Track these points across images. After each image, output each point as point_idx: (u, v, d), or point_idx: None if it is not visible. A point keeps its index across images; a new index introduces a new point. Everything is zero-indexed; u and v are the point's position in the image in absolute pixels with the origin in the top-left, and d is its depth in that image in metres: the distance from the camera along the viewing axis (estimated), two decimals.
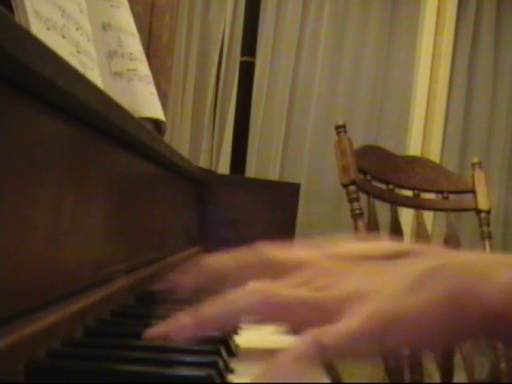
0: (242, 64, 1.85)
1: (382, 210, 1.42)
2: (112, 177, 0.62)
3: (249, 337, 0.53)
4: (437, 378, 1.37)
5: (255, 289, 0.41)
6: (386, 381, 1.21)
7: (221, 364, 0.39)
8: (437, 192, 1.47)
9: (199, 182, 1.24)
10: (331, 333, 0.36)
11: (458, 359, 1.31)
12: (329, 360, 0.36)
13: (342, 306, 0.38)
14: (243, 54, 1.85)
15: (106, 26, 0.82)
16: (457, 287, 0.35)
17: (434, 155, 2.50)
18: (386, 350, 0.37)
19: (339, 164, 1.29)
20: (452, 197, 1.44)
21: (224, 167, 2.41)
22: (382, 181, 1.39)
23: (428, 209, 1.49)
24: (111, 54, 0.82)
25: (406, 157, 1.54)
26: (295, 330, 0.41)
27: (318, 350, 0.35)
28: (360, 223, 1.26)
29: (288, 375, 0.35)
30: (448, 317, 0.35)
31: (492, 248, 1.39)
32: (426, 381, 1.32)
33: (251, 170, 2.42)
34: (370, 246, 0.48)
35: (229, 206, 1.32)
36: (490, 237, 1.39)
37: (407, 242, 0.58)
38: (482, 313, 0.34)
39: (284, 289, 0.41)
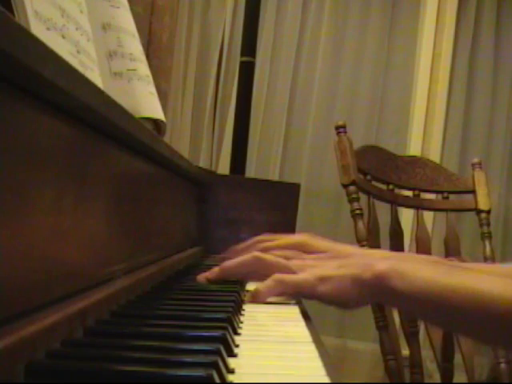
0: (242, 64, 1.85)
1: (382, 210, 1.42)
2: (112, 177, 0.62)
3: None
4: (437, 378, 1.37)
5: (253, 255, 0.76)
6: (386, 381, 1.21)
7: (221, 364, 0.39)
8: (437, 192, 1.47)
9: (199, 182, 1.24)
10: (290, 276, 0.70)
11: (458, 359, 1.31)
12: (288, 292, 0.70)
13: (301, 270, 0.70)
14: (243, 54, 1.85)
15: (105, 26, 0.82)
16: (355, 270, 0.66)
17: (434, 155, 2.50)
18: (318, 293, 0.67)
19: (339, 164, 1.29)
20: (452, 197, 1.44)
21: (224, 167, 2.41)
22: (382, 181, 1.39)
23: (428, 209, 1.49)
24: (111, 54, 0.82)
25: (406, 157, 1.54)
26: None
27: (280, 284, 0.70)
28: (360, 223, 1.26)
29: (262, 297, 0.70)
30: (349, 283, 0.66)
31: (492, 248, 1.39)
32: (425, 381, 1.32)
33: (251, 170, 2.42)
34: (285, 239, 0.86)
35: (229, 206, 1.32)
36: (490, 237, 1.39)
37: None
38: (365, 285, 0.65)
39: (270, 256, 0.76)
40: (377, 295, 0.66)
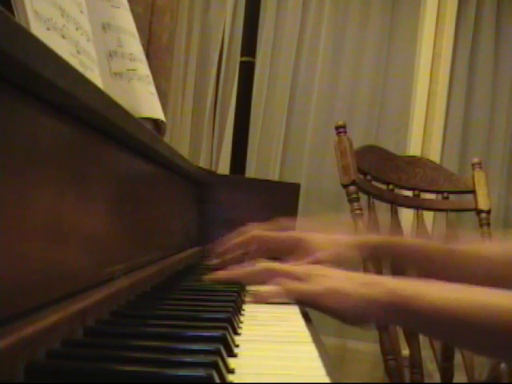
0: (242, 64, 1.85)
1: (382, 210, 1.42)
2: (112, 177, 0.62)
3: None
4: (437, 378, 1.37)
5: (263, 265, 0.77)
6: (386, 381, 1.21)
7: (221, 364, 0.39)
8: (437, 192, 1.47)
9: (199, 182, 1.24)
10: (297, 286, 0.69)
11: (457, 359, 1.31)
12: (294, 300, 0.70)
13: (308, 278, 0.69)
14: (243, 54, 1.85)
15: (105, 26, 0.82)
16: (367, 287, 0.64)
17: (434, 155, 2.50)
18: (323, 305, 0.66)
19: (339, 164, 1.29)
20: (452, 197, 1.44)
21: (224, 167, 2.40)
22: (382, 181, 1.39)
23: (428, 209, 1.49)
24: (111, 54, 0.82)
25: (406, 157, 1.54)
26: None
27: (287, 292, 0.69)
28: (360, 223, 1.26)
29: (265, 300, 0.70)
30: (359, 300, 0.64)
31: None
32: (426, 381, 1.32)
33: (251, 170, 2.42)
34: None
35: (229, 206, 1.32)
36: (490, 237, 1.39)
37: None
38: (376, 303, 0.63)
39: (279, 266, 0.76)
40: (387, 313, 0.64)
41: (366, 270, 1.14)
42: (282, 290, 0.70)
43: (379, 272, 1.13)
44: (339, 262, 0.81)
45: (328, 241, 0.88)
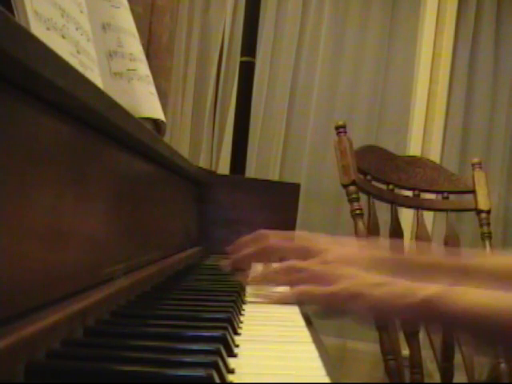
0: (242, 64, 1.85)
1: (382, 209, 1.42)
2: (112, 177, 0.62)
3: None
4: (437, 378, 1.37)
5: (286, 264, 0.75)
6: (386, 381, 1.21)
7: (221, 364, 0.39)
8: (437, 192, 1.47)
9: (199, 182, 1.24)
10: (320, 289, 0.65)
11: (458, 359, 1.31)
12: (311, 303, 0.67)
13: (333, 281, 0.66)
14: (243, 54, 1.85)
15: (105, 26, 0.82)
16: (397, 294, 0.62)
17: (434, 155, 2.50)
18: (349, 310, 0.63)
19: (339, 164, 1.29)
20: (452, 197, 1.44)
21: (224, 167, 2.40)
22: (382, 181, 1.39)
23: (428, 209, 1.49)
24: (111, 54, 0.82)
25: (406, 157, 1.54)
26: None
27: (309, 296, 0.66)
28: (360, 223, 1.26)
29: (284, 301, 0.69)
30: (389, 305, 0.62)
31: (492, 248, 1.39)
32: (426, 381, 1.32)
33: (251, 170, 2.42)
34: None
35: (229, 206, 1.32)
36: (490, 237, 1.39)
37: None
38: (409, 309, 0.61)
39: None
40: (424, 319, 0.63)
41: None
42: (302, 293, 0.68)
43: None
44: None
45: (347, 256, 0.84)
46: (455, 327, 0.64)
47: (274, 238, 0.87)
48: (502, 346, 0.66)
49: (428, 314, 0.62)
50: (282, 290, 0.75)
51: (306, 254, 0.82)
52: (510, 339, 0.60)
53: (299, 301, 0.69)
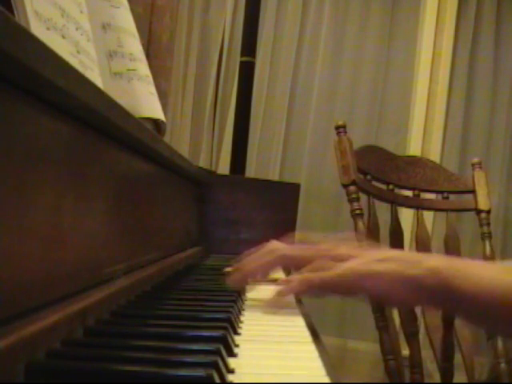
0: (242, 64, 1.85)
1: (382, 209, 1.42)
2: (112, 177, 0.62)
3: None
4: (437, 378, 1.37)
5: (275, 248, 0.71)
6: (386, 381, 1.21)
7: (221, 364, 0.39)
8: (437, 192, 1.47)
9: (199, 182, 1.24)
10: (326, 273, 0.62)
11: (457, 359, 1.31)
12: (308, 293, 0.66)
13: (331, 265, 0.62)
14: (243, 54, 1.85)
15: (106, 26, 0.82)
16: (403, 265, 0.59)
17: (434, 155, 2.50)
18: (358, 291, 0.61)
19: (339, 164, 1.29)
20: (452, 197, 1.44)
21: (224, 167, 2.40)
22: (381, 181, 1.39)
23: (428, 209, 1.49)
24: (111, 54, 0.82)
25: (405, 157, 1.54)
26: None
27: (315, 281, 0.63)
28: (360, 223, 1.26)
29: (291, 293, 0.65)
30: (397, 280, 0.58)
31: (492, 248, 1.39)
32: (426, 381, 1.32)
33: (251, 170, 2.42)
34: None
35: (229, 206, 1.32)
36: (490, 237, 1.39)
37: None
38: (415, 282, 0.58)
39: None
40: (431, 294, 0.59)
41: None
42: (307, 280, 0.63)
43: None
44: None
45: None
46: (463, 303, 0.59)
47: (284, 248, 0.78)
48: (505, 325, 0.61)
49: (435, 287, 0.58)
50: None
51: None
52: None
53: (303, 290, 0.65)
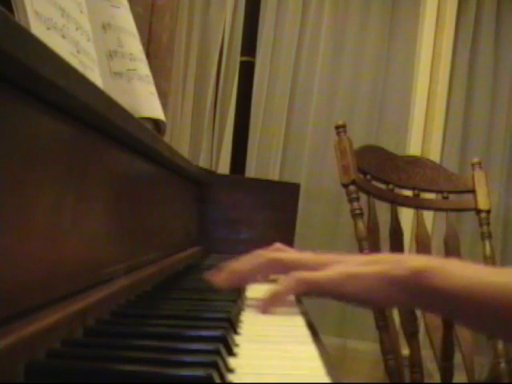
0: (242, 64, 1.85)
1: (382, 209, 1.42)
2: (112, 177, 0.62)
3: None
4: (437, 377, 1.37)
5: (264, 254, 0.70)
6: (386, 381, 1.21)
7: (221, 364, 0.39)
8: (437, 192, 1.47)
9: (199, 182, 1.24)
10: (312, 275, 0.63)
11: (457, 359, 1.31)
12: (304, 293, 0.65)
13: (322, 267, 0.63)
14: (243, 54, 1.85)
15: (106, 26, 0.82)
16: (387, 266, 0.60)
17: (434, 155, 2.50)
18: (345, 293, 0.61)
19: (339, 164, 1.29)
20: (452, 197, 1.44)
21: (224, 167, 2.41)
22: (382, 181, 1.39)
23: (428, 209, 1.49)
24: (111, 54, 0.82)
25: (406, 157, 1.54)
26: None
27: (302, 283, 0.63)
28: (360, 223, 1.26)
29: (281, 297, 0.64)
30: (380, 281, 0.60)
31: (492, 248, 1.39)
32: (425, 381, 1.32)
33: (251, 170, 2.42)
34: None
35: (229, 206, 1.32)
36: (489, 237, 1.39)
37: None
38: (397, 282, 0.59)
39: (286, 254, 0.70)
40: (411, 294, 0.60)
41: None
42: (293, 282, 0.63)
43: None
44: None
45: None
46: (443, 303, 0.60)
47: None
48: (491, 328, 0.62)
49: (415, 287, 0.59)
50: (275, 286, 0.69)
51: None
52: (500, 320, 0.57)
53: (292, 290, 0.65)
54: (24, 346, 0.36)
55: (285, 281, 0.64)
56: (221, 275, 0.71)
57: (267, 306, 0.65)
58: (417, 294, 0.60)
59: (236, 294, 0.69)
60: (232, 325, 0.53)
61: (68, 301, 0.46)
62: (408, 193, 1.45)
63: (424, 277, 0.58)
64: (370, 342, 2.32)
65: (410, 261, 0.60)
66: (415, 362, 1.28)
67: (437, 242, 1.71)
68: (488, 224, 1.40)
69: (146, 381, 0.36)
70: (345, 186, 1.28)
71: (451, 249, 1.39)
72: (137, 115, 0.78)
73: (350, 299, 0.62)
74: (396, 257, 0.64)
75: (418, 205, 1.43)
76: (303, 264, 0.66)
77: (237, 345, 0.49)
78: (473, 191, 1.42)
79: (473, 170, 1.45)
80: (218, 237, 1.30)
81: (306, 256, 0.68)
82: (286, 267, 0.67)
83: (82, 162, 0.51)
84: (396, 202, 1.40)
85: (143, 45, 0.93)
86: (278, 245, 0.75)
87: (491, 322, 0.59)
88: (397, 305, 0.66)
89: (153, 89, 0.90)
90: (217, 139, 2.56)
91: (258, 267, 0.70)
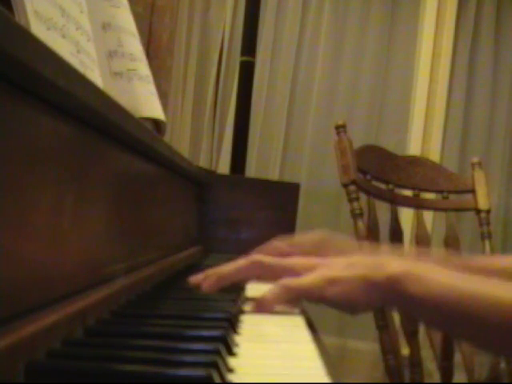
0: (242, 64, 1.85)
1: (382, 210, 1.42)
2: (112, 177, 0.62)
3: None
4: (437, 377, 1.38)
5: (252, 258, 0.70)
6: (386, 380, 1.21)
7: (221, 363, 0.39)
8: (437, 192, 1.47)
9: (199, 182, 1.24)
10: (296, 281, 0.64)
11: (457, 359, 1.31)
12: (293, 298, 0.65)
13: (305, 272, 0.64)
14: (243, 53, 1.85)
15: (106, 26, 0.82)
16: (366, 270, 0.61)
17: (434, 155, 2.50)
18: (327, 297, 0.62)
19: (339, 164, 1.29)
20: (452, 197, 1.44)
21: (224, 167, 2.41)
22: (381, 181, 1.39)
23: (428, 209, 1.49)
24: (111, 54, 0.82)
25: (406, 157, 1.54)
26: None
27: (287, 290, 0.64)
28: (360, 223, 1.26)
29: (268, 306, 0.64)
30: (358, 285, 0.61)
31: (492, 248, 1.39)
32: (425, 380, 1.33)
33: (251, 170, 2.42)
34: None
35: (229, 205, 1.32)
36: (489, 237, 1.39)
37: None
38: (375, 287, 0.60)
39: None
40: (389, 299, 0.61)
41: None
42: (278, 290, 0.64)
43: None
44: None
45: None
46: (418, 309, 0.61)
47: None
48: (470, 335, 0.62)
49: (392, 293, 0.60)
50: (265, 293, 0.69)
51: (320, 247, 0.79)
52: (479, 327, 0.58)
53: (279, 299, 0.65)
54: (24, 346, 0.36)
55: (272, 289, 0.65)
56: (206, 281, 0.70)
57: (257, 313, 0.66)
58: (394, 299, 0.61)
59: (236, 294, 0.69)
60: (232, 325, 0.53)
61: (68, 301, 0.46)
62: (408, 193, 1.45)
63: (400, 283, 0.59)
64: (370, 342, 2.32)
65: (388, 266, 0.61)
66: (415, 362, 1.28)
67: (437, 241, 1.71)
68: (488, 224, 1.40)
69: (146, 381, 0.36)
70: (345, 185, 1.28)
71: (451, 249, 1.39)
72: (137, 115, 0.78)
73: (332, 303, 0.63)
74: (376, 260, 0.64)
75: (417, 205, 1.43)
76: (289, 269, 0.67)
77: (237, 345, 0.49)
78: (473, 191, 1.43)
79: (473, 169, 1.45)
80: (218, 237, 1.30)
81: (293, 261, 0.69)
82: (272, 271, 0.68)
83: (82, 162, 0.51)
84: (396, 201, 1.40)
85: (143, 45, 0.93)
86: (275, 242, 0.78)
87: (468, 332, 0.60)
88: (374, 307, 0.66)
89: (153, 89, 0.90)
90: (217, 139, 2.56)
91: (244, 271, 0.70)
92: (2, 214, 0.36)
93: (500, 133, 2.57)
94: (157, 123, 0.91)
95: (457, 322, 0.59)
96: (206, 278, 0.71)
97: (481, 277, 0.61)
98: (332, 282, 0.62)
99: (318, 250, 0.76)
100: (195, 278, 0.72)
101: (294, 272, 0.66)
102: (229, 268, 0.70)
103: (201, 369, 0.37)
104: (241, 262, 0.71)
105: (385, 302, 0.64)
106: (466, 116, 2.57)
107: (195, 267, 1.04)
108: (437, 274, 0.60)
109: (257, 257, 0.72)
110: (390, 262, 0.62)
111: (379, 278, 0.60)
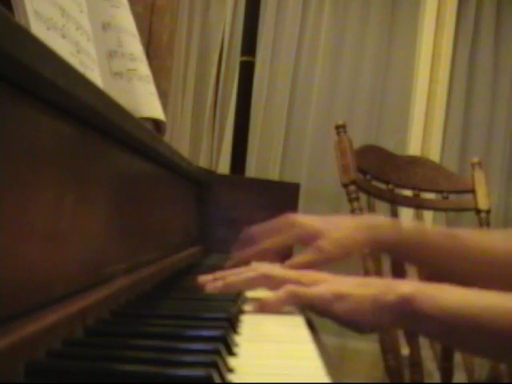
0: (242, 64, 1.85)
1: (382, 209, 1.42)
2: (112, 177, 0.62)
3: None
4: (437, 377, 1.37)
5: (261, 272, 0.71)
6: (386, 380, 1.21)
7: (221, 364, 0.39)
8: (437, 192, 1.47)
9: (199, 182, 1.24)
10: (304, 289, 0.64)
11: (457, 359, 1.31)
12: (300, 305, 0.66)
13: (314, 284, 0.65)
14: (243, 53, 1.85)
15: (106, 26, 0.82)
16: (377, 291, 0.62)
17: (434, 155, 2.50)
18: (334, 312, 0.62)
19: (339, 164, 1.29)
20: (452, 197, 1.44)
21: (224, 167, 2.40)
22: (381, 181, 1.39)
23: (428, 209, 1.49)
24: (111, 54, 0.82)
25: (405, 157, 1.54)
26: None
27: (293, 297, 0.64)
28: None
29: (272, 309, 0.65)
30: (369, 305, 0.61)
31: None
32: (425, 380, 1.32)
33: (251, 170, 2.42)
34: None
35: (229, 205, 1.32)
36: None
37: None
38: (387, 307, 0.60)
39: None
40: (398, 319, 0.61)
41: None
42: (284, 294, 0.65)
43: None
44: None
45: (344, 240, 0.84)
46: (430, 328, 0.62)
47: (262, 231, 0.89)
48: (485, 351, 0.64)
49: (404, 313, 0.60)
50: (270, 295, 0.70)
51: (303, 241, 0.84)
52: (489, 343, 0.59)
53: (283, 302, 0.66)
54: (24, 346, 0.36)
55: (278, 293, 0.66)
56: (214, 285, 0.72)
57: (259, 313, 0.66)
58: (406, 319, 0.61)
59: (236, 295, 0.69)
60: (232, 325, 0.53)
61: (68, 301, 0.46)
62: (408, 193, 1.45)
63: (413, 302, 0.59)
64: (370, 342, 2.32)
65: (399, 286, 0.61)
66: (415, 362, 1.28)
67: None
68: (488, 224, 1.40)
69: (146, 381, 0.36)
70: (345, 185, 1.28)
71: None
72: (137, 115, 0.78)
73: (337, 318, 0.63)
74: (386, 282, 0.66)
75: (417, 205, 1.43)
76: (296, 281, 0.67)
77: (237, 345, 0.49)
78: (472, 191, 1.43)
79: (472, 169, 1.45)
80: (218, 237, 1.30)
81: (300, 274, 0.70)
82: (280, 284, 0.68)
83: (82, 162, 0.51)
84: (396, 201, 1.40)
85: (143, 45, 0.93)
86: (289, 215, 0.88)
87: (484, 346, 0.61)
88: (382, 327, 0.67)
89: (153, 89, 0.90)
90: (217, 139, 2.56)
91: (251, 282, 0.72)
92: (2, 213, 0.36)
93: (500, 133, 2.57)
94: (157, 123, 0.91)
95: (472, 336, 0.59)
96: (213, 281, 0.72)
97: (492, 292, 0.61)
98: (341, 297, 0.62)
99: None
100: (204, 279, 0.73)
101: (302, 285, 0.66)
102: (237, 279, 0.71)
103: (201, 369, 0.37)
104: (249, 274, 0.72)
105: (393, 322, 0.63)
106: (465, 116, 2.57)
107: (195, 267, 1.04)
108: (448, 292, 0.61)
109: (265, 269, 0.72)
110: (400, 284, 0.63)
111: (390, 297, 0.60)
